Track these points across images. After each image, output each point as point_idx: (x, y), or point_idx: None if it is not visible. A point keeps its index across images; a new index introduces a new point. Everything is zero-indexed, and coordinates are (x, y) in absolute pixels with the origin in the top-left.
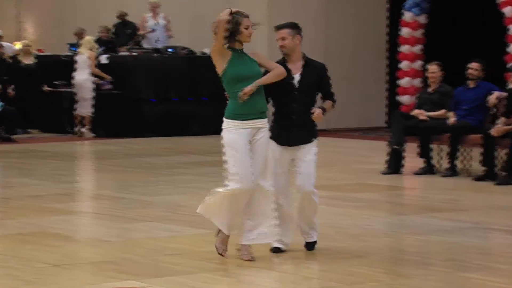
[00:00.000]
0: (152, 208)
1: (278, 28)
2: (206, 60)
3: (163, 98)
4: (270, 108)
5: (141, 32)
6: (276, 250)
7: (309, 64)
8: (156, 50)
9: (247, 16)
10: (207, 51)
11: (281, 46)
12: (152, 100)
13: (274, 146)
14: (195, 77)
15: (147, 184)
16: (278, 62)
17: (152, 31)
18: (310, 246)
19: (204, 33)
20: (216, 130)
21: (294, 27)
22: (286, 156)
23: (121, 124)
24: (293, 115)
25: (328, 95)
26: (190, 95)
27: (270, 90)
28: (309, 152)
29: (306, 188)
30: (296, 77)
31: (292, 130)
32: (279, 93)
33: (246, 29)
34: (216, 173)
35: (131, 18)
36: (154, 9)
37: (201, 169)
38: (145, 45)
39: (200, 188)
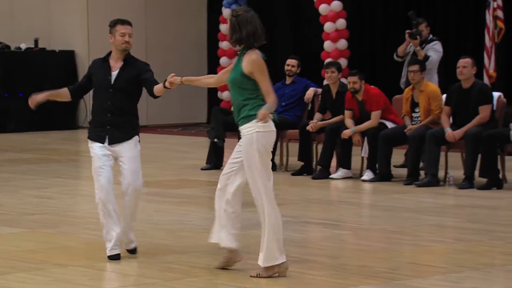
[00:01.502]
0: None
1: (125, 22)
2: (22, 55)
3: None
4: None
5: None
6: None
7: (129, 62)
8: None
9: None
10: (23, 46)
11: (127, 43)
12: None
13: (94, 145)
14: (10, 73)
15: None
16: (103, 58)
17: None
18: (133, 252)
19: (20, 27)
20: (32, 127)
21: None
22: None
23: None
24: (108, 113)
25: (155, 82)
26: (5, 91)
27: (90, 86)
28: (130, 149)
29: (135, 185)
30: (114, 74)
31: (108, 128)
32: (98, 90)
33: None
34: (33, 170)
35: None
36: None
37: (18, 167)
38: None
39: (17, 186)
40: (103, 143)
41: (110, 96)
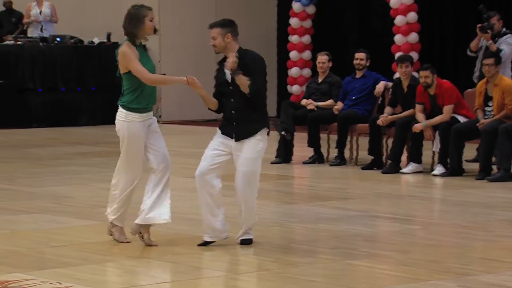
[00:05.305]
0: (38, 200)
1: (210, 27)
2: (94, 50)
3: (50, 88)
4: None
5: (25, 20)
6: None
7: (241, 58)
8: (43, 39)
9: (151, 9)
10: (95, 40)
11: (212, 46)
12: (39, 90)
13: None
14: (83, 67)
15: (33, 175)
16: (221, 59)
17: (37, 19)
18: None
19: (93, 22)
20: (104, 120)
21: (224, 25)
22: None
23: (7, 115)
24: (233, 110)
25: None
26: (78, 85)
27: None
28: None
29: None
30: (229, 73)
31: (233, 124)
32: (220, 90)
33: (151, 21)
34: (104, 163)
35: (16, 7)
36: None
37: (88, 160)
38: (31, 34)
39: (87, 179)
40: (229, 136)
41: (231, 93)
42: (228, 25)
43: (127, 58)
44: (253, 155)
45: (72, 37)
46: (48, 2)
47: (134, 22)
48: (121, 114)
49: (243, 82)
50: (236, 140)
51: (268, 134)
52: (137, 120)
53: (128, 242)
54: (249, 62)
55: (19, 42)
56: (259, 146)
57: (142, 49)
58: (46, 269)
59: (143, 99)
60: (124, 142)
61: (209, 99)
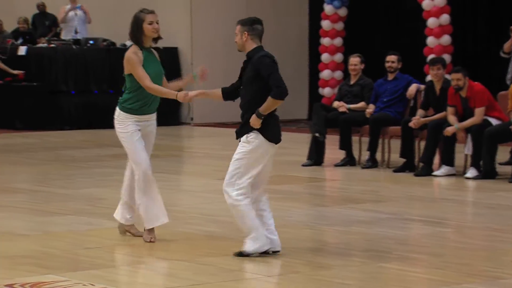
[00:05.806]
0: (71, 201)
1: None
2: None
3: (83, 90)
4: None
5: (61, 17)
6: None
7: (250, 58)
8: (76, 42)
9: (151, 12)
10: (128, 43)
11: (235, 42)
12: (71, 92)
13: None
14: (116, 69)
15: (66, 177)
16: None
17: (75, 11)
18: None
19: (125, 25)
20: None
21: (244, 23)
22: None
23: (40, 117)
24: (241, 110)
25: (269, 89)
26: (110, 88)
27: None
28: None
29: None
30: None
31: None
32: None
33: (150, 24)
34: None
35: (50, 9)
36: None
37: (121, 162)
38: (64, 36)
39: (119, 181)
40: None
41: (241, 94)
42: (247, 24)
43: (131, 63)
44: (237, 155)
45: (104, 40)
46: (82, 5)
47: (134, 27)
48: (116, 112)
49: (267, 107)
50: (236, 138)
51: (276, 142)
52: (128, 120)
53: (152, 242)
54: (259, 67)
55: (53, 45)
56: (244, 148)
57: (148, 52)
58: (79, 270)
59: (141, 101)
60: (120, 141)
61: (212, 96)
